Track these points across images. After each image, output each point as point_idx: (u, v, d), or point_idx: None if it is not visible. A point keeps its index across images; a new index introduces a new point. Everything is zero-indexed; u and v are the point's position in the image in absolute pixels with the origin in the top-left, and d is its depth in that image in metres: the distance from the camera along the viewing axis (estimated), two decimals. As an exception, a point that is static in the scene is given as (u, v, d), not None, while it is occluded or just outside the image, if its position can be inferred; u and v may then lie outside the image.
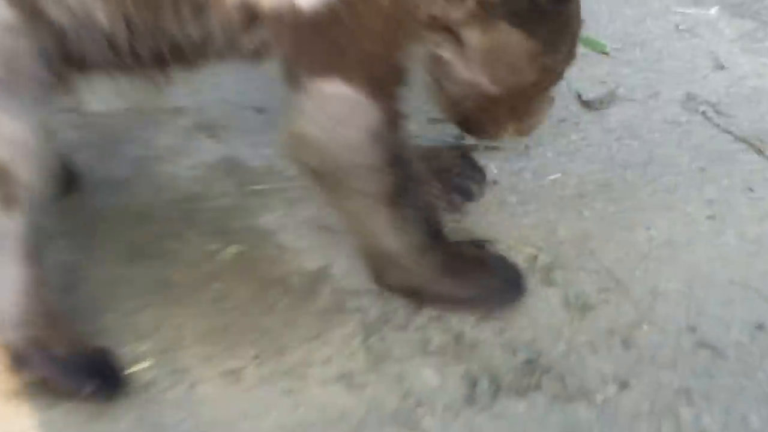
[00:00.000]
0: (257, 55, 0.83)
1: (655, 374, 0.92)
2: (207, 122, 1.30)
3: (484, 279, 0.97)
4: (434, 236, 0.93)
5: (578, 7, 0.92)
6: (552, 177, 1.21)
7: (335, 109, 0.79)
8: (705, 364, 0.94)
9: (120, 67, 0.83)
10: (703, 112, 1.32)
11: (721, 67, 1.46)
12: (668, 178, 1.21)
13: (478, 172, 1.14)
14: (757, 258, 1.08)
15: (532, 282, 1.01)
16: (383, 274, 0.95)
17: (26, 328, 0.83)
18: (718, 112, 1.33)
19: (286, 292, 1.00)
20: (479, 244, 1.04)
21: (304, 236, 1.09)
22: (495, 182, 1.18)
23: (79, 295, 0.99)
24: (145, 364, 0.91)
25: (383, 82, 0.81)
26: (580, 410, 0.88)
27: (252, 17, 0.76)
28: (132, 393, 0.87)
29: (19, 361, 0.83)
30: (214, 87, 1.31)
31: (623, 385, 0.90)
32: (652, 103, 1.36)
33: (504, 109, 0.95)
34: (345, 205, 0.91)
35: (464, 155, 1.17)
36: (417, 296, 0.95)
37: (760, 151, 1.25)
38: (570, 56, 0.94)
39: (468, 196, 1.12)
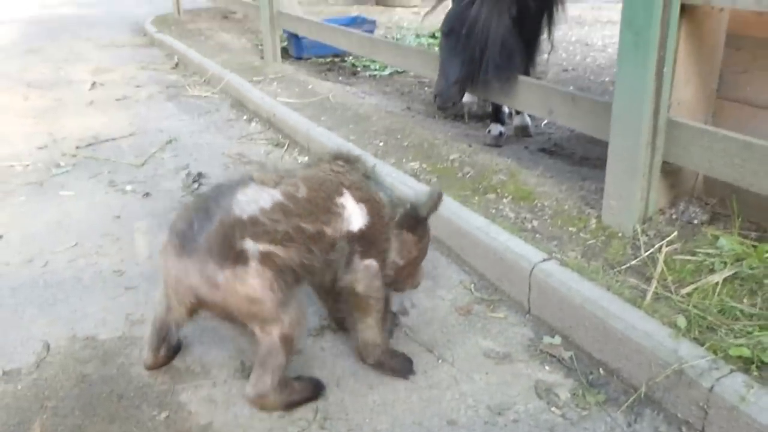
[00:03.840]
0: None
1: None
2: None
3: (402, 362, 1.87)
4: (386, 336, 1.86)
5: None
6: None
7: (371, 274, 1.69)
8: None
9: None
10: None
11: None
12: None
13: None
14: None
15: None
16: (367, 355, 1.80)
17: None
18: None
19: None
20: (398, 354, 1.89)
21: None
22: None
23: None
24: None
25: (382, 258, 1.74)
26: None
27: (351, 240, 1.64)
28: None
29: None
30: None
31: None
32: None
33: (406, 272, 1.87)
34: (362, 317, 1.74)
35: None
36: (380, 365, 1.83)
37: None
38: (428, 245, 1.92)
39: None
